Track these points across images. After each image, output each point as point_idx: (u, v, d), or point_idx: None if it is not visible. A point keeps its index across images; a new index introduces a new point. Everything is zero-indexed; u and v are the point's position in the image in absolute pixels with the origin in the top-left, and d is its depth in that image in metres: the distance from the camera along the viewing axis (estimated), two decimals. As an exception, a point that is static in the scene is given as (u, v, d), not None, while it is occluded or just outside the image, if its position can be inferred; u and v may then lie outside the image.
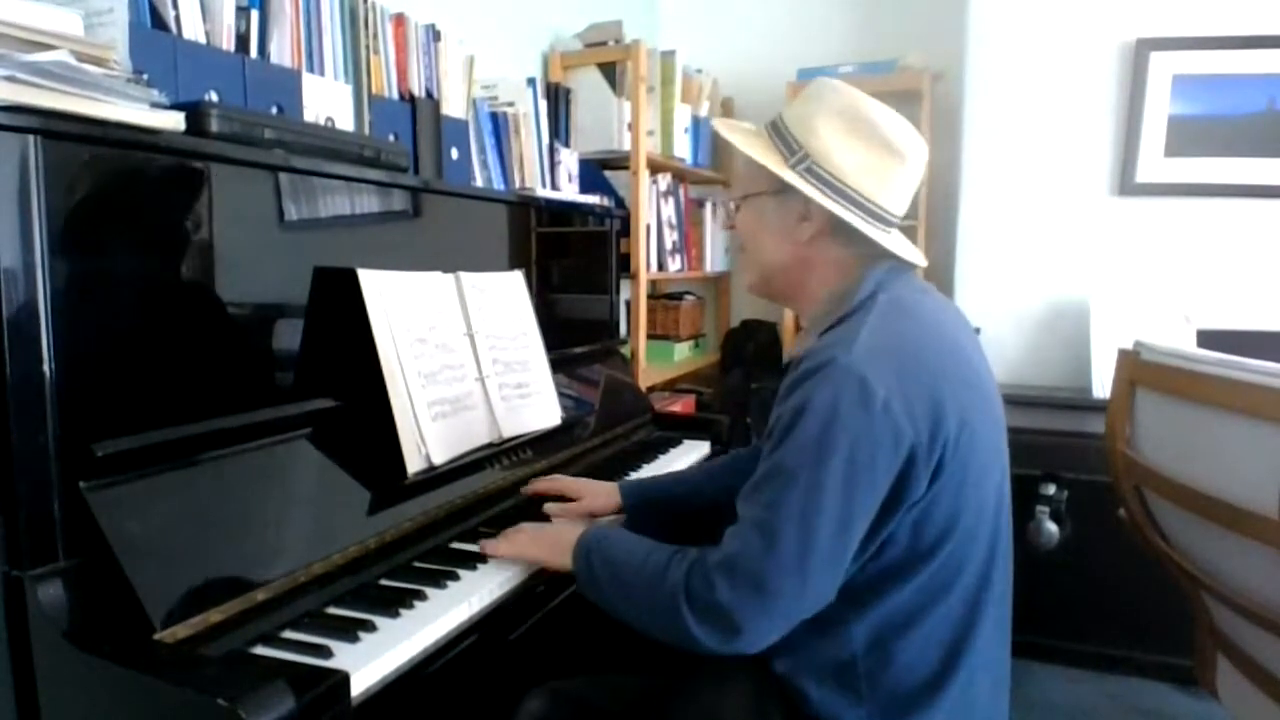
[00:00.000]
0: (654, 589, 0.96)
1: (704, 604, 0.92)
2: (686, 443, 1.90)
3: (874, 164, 1.00)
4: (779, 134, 1.04)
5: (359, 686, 0.87)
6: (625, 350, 2.25)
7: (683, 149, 2.73)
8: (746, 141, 1.05)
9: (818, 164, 1.00)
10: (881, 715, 0.98)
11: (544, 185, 2.11)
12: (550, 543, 1.12)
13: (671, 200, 2.76)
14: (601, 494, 1.40)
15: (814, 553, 0.89)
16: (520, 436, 1.47)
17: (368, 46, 1.55)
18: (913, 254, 1.08)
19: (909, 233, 2.79)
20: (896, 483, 0.91)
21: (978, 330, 2.49)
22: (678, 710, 1.04)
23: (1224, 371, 1.15)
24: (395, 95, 1.63)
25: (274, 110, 1.32)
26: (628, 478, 1.54)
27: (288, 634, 0.95)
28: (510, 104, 2.04)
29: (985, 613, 0.99)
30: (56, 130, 0.84)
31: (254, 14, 1.31)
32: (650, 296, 2.69)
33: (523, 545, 1.15)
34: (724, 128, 1.08)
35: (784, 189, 1.03)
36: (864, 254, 1.04)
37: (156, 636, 0.84)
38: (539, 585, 1.20)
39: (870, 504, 0.91)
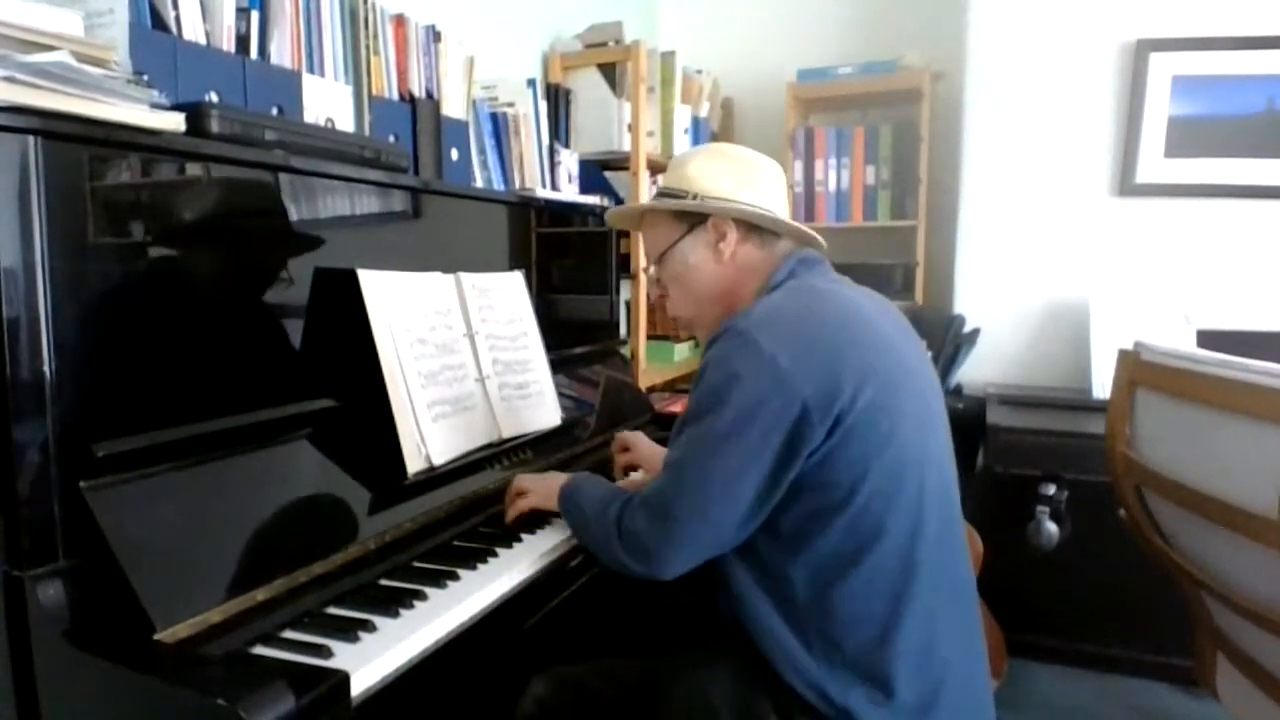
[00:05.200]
0: (601, 525, 1.13)
1: (628, 534, 1.09)
2: (686, 443, 1.90)
3: (745, 177, 1.20)
4: (666, 194, 1.22)
5: (359, 686, 0.87)
6: (625, 350, 2.25)
7: (683, 149, 2.73)
8: (647, 205, 1.26)
9: (706, 195, 1.18)
10: (846, 674, 1.03)
11: (544, 186, 2.11)
12: (545, 492, 1.29)
13: (671, 201, 2.76)
14: (657, 455, 1.53)
15: (710, 483, 1.02)
16: (520, 437, 1.47)
17: (368, 47, 1.56)
18: (816, 241, 1.25)
19: (909, 232, 2.82)
20: (792, 431, 1.00)
21: (977, 330, 2.49)
22: (670, 691, 1.11)
23: (1224, 371, 1.15)
24: (395, 96, 1.64)
25: (274, 111, 1.32)
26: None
27: (288, 634, 0.95)
28: (510, 104, 2.04)
29: (921, 566, 1.04)
30: (56, 130, 0.84)
31: (254, 14, 1.32)
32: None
33: (530, 499, 1.32)
34: (614, 216, 1.34)
35: (692, 226, 1.20)
36: (779, 253, 1.20)
37: (156, 636, 0.84)
38: (537, 585, 1.21)
39: (762, 446, 1.01)
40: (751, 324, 1.05)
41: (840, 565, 1.03)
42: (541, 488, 1.31)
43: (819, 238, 1.23)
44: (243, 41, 1.30)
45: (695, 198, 1.18)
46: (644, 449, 1.57)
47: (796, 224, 1.21)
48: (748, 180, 1.19)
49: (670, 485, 1.06)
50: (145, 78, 0.99)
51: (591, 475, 1.28)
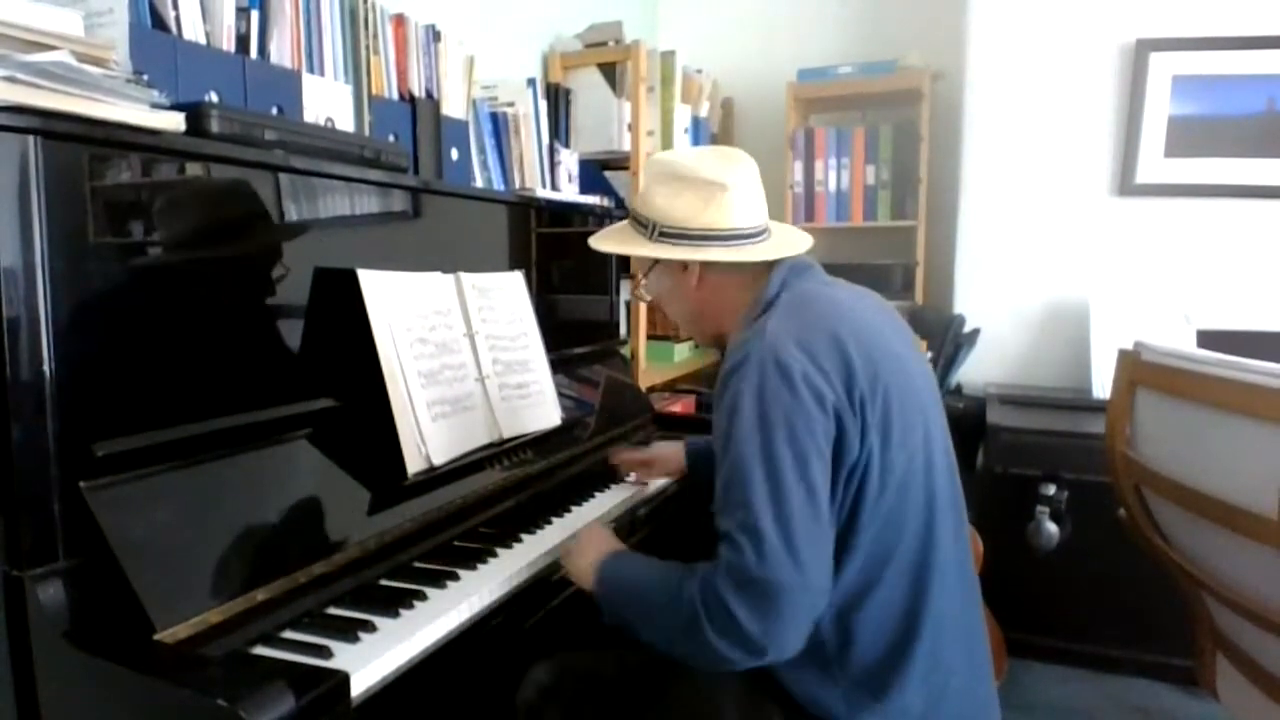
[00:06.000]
0: (675, 613, 0.99)
1: (722, 622, 0.95)
2: (687, 443, 1.90)
3: (703, 202, 1.13)
4: (636, 219, 1.20)
5: (359, 686, 0.87)
6: (625, 350, 2.25)
7: (682, 149, 2.73)
8: (617, 240, 1.22)
9: (666, 226, 1.14)
10: (856, 693, 1.02)
11: (544, 186, 2.11)
12: (577, 568, 1.16)
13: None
14: (670, 454, 1.63)
15: (795, 534, 0.94)
16: (520, 437, 1.47)
17: (368, 47, 1.55)
18: (795, 244, 1.19)
19: (909, 232, 2.82)
20: (835, 445, 0.98)
21: (977, 330, 2.50)
22: (676, 684, 1.09)
23: (1224, 371, 1.15)
24: (395, 95, 1.63)
25: (274, 110, 1.32)
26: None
27: (288, 634, 0.95)
28: (510, 104, 2.04)
29: (934, 574, 1.03)
30: (56, 130, 0.84)
31: (254, 14, 1.31)
32: (650, 297, 2.68)
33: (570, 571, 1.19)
34: (597, 241, 1.24)
35: (656, 260, 1.19)
36: (754, 269, 1.15)
37: (156, 636, 0.84)
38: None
39: (823, 470, 0.97)
40: (768, 346, 1.00)
41: (861, 589, 1.01)
42: (576, 560, 1.17)
43: (803, 244, 1.19)
44: (243, 41, 1.30)
45: (655, 226, 1.14)
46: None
47: (771, 255, 1.15)
48: (708, 205, 1.12)
49: (752, 548, 0.93)
50: (145, 77, 0.99)
51: (626, 554, 1.15)
